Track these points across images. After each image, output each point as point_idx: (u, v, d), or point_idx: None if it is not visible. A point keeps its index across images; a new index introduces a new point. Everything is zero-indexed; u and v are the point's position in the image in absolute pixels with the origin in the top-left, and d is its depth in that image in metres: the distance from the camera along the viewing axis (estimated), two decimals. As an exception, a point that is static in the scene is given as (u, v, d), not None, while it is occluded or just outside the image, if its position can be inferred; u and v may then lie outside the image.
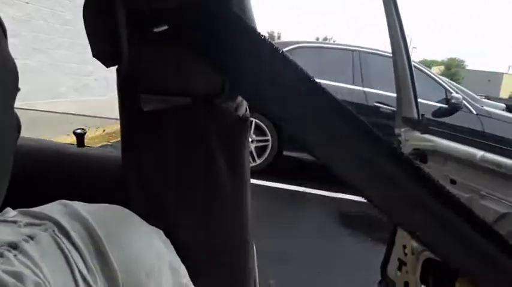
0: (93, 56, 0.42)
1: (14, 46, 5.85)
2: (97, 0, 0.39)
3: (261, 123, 4.63)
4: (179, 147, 0.45)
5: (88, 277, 0.33)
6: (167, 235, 0.43)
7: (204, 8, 0.36)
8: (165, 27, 0.36)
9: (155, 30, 0.36)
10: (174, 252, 0.42)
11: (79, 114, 5.32)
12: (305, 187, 4.33)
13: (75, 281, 0.33)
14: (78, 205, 0.38)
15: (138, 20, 0.38)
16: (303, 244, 3.03)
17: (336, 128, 0.35)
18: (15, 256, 0.32)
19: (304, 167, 4.92)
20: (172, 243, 0.43)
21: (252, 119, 4.58)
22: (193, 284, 0.43)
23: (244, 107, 0.46)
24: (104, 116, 5.25)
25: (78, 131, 0.66)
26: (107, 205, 0.42)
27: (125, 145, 0.48)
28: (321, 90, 0.35)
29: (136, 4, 0.37)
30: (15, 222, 0.35)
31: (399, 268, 1.77)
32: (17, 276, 0.30)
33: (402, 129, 1.72)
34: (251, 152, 4.64)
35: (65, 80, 6.48)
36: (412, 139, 1.70)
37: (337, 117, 0.35)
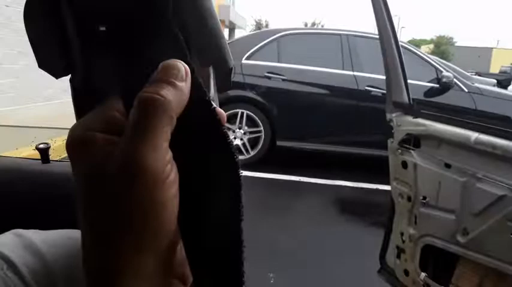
0: (39, 67, 0.37)
1: (-3, 51, 5.69)
2: (41, 3, 0.34)
3: (253, 115, 4.58)
4: None
5: None
6: None
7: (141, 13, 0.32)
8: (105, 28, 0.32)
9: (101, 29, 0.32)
10: None
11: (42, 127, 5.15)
12: (300, 175, 4.30)
13: None
14: (33, 235, 0.34)
15: (87, 23, 0.33)
16: (299, 232, 3.00)
17: None
18: None
19: (298, 157, 4.90)
20: None
21: (243, 110, 4.54)
22: None
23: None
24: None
25: (41, 145, 0.61)
26: (67, 231, 0.38)
27: None
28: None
29: (84, 4, 0.33)
30: None
31: (398, 256, 1.75)
32: None
33: (394, 115, 1.68)
34: (244, 144, 4.60)
35: (53, 82, 6.38)
36: (404, 124, 1.67)
37: None
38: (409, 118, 1.66)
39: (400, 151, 1.69)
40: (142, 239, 0.24)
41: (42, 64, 0.38)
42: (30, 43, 0.37)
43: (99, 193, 0.24)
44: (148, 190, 0.23)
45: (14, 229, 0.36)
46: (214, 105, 0.31)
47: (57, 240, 0.36)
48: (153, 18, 0.32)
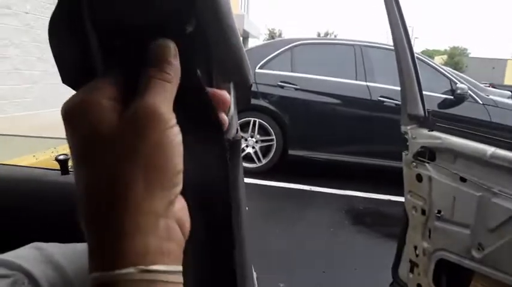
0: (63, 82, 0.38)
1: (17, 57, 5.84)
2: (64, 20, 0.36)
3: (265, 124, 4.59)
4: None
5: None
6: None
7: (165, 30, 0.33)
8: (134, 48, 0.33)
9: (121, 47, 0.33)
10: None
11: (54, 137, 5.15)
12: (311, 185, 4.29)
13: None
14: (53, 248, 0.35)
15: (110, 41, 0.34)
16: (310, 242, 2.99)
17: None
18: None
19: (310, 166, 4.88)
20: None
21: (255, 119, 4.56)
22: None
23: (234, 129, 0.42)
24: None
25: (61, 157, 0.62)
26: (86, 244, 0.38)
27: None
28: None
29: (105, 23, 0.34)
30: None
31: (411, 270, 1.73)
32: None
33: (409, 127, 1.68)
34: (256, 152, 4.61)
35: (70, 88, 6.48)
36: (419, 137, 1.66)
37: None
38: (425, 131, 1.65)
39: (414, 163, 1.67)
40: (154, 178, 0.26)
41: (66, 79, 0.39)
42: (55, 59, 0.38)
43: (110, 146, 0.26)
44: (162, 131, 0.27)
45: (33, 239, 0.37)
46: (207, 90, 0.34)
47: (77, 254, 0.36)
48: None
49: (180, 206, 0.29)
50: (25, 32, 5.75)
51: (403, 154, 1.73)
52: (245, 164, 4.51)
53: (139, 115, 0.27)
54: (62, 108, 0.28)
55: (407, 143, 1.71)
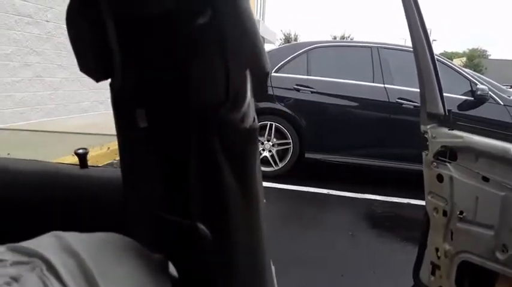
0: (81, 70, 0.39)
1: (39, 64, 5.98)
2: (82, 8, 0.36)
3: (282, 127, 4.59)
4: (180, 165, 0.41)
5: None
6: (174, 261, 0.39)
7: (184, 17, 0.33)
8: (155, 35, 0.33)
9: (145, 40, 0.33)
10: (181, 284, 0.39)
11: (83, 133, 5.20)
12: (328, 188, 4.25)
13: None
14: (72, 237, 0.36)
15: (127, 30, 0.35)
16: (328, 245, 2.96)
17: None
18: None
19: (327, 169, 4.85)
20: (178, 270, 0.39)
21: (272, 122, 4.55)
22: None
23: (251, 117, 0.42)
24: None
25: (80, 151, 0.63)
26: (105, 234, 0.39)
27: (123, 164, 0.45)
28: None
29: (123, 12, 0.34)
30: (1, 260, 0.33)
31: (432, 272, 1.69)
32: None
33: (428, 126, 1.65)
34: (272, 156, 4.60)
35: (90, 94, 6.61)
36: (439, 136, 1.62)
37: None
38: (445, 130, 1.62)
39: (435, 163, 1.64)
40: None
41: (84, 67, 0.39)
42: (72, 47, 0.39)
43: None
44: None
45: (53, 230, 0.37)
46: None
47: (95, 242, 0.37)
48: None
49: None
50: (46, 40, 5.89)
51: (423, 154, 1.70)
52: (262, 168, 4.49)
53: None
54: None
55: (427, 143, 1.68)
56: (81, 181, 0.61)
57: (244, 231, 0.43)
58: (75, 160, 0.63)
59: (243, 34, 0.39)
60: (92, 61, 0.38)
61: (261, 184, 0.45)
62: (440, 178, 1.62)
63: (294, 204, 3.91)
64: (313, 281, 2.44)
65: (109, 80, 0.40)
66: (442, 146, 1.62)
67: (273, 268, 0.54)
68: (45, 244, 0.35)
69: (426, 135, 1.67)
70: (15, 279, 0.31)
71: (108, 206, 0.52)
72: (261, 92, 0.44)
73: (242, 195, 0.41)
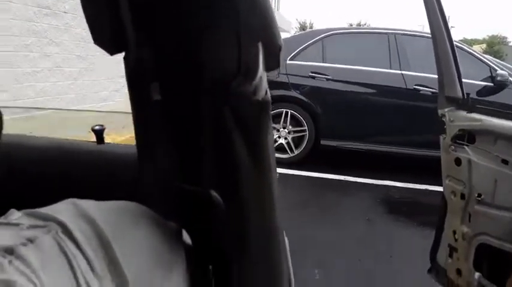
0: (95, 42, 0.39)
1: (58, 55, 6.05)
2: None
3: (297, 114, 4.59)
4: (194, 137, 0.42)
5: (94, 283, 0.31)
6: (188, 230, 0.40)
7: None
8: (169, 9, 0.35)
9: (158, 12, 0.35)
10: (194, 252, 0.40)
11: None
12: (345, 175, 4.26)
13: None
14: (88, 204, 0.36)
15: (140, 2, 0.36)
16: (345, 230, 2.98)
17: None
18: (10, 262, 0.29)
19: (343, 156, 4.84)
20: (192, 238, 0.40)
21: (287, 110, 4.56)
22: (223, 283, 0.41)
23: (263, 90, 0.42)
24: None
25: (97, 127, 0.66)
26: (121, 202, 0.39)
27: (138, 138, 0.46)
28: None
29: None
30: (17, 225, 0.33)
31: (450, 255, 1.70)
32: (9, 284, 0.27)
33: (446, 110, 1.64)
34: (288, 143, 4.61)
35: (107, 84, 6.71)
36: (457, 119, 1.62)
37: None
38: (463, 113, 1.61)
39: (453, 147, 1.64)
40: None
41: (98, 40, 0.40)
42: (86, 20, 0.39)
43: None
44: None
45: (70, 198, 0.38)
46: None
47: (112, 210, 0.38)
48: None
49: None
50: (64, 31, 5.97)
51: (441, 138, 1.70)
52: (278, 155, 4.53)
53: None
54: None
55: (445, 127, 1.68)
56: (97, 157, 0.63)
57: (257, 201, 0.44)
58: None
59: (253, 6, 0.39)
60: (106, 34, 0.39)
61: (274, 157, 0.46)
62: (458, 161, 1.63)
63: (309, 190, 3.93)
64: (331, 265, 2.47)
65: (122, 64, 0.41)
66: (460, 130, 1.62)
67: (286, 240, 0.55)
68: (62, 209, 0.35)
69: (444, 119, 1.67)
70: (30, 240, 0.31)
71: (125, 181, 0.53)
72: (272, 66, 0.43)
73: (254, 165, 0.42)
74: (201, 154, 0.42)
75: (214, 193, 0.41)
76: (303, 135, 4.60)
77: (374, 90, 4.55)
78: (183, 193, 0.42)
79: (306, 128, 4.58)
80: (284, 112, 4.58)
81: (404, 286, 2.34)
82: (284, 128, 4.62)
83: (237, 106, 0.40)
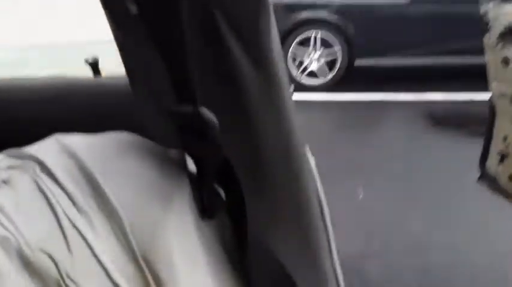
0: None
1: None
2: None
3: (327, 35, 4.36)
4: (180, 50, 0.36)
5: (78, 222, 0.29)
6: (192, 156, 0.37)
7: None
8: None
9: None
10: (201, 180, 0.37)
11: None
12: (383, 93, 4.10)
13: (61, 227, 0.28)
14: (72, 139, 0.34)
15: None
16: (388, 149, 2.92)
17: None
18: None
19: (379, 74, 4.64)
20: (196, 164, 0.37)
21: (317, 31, 4.33)
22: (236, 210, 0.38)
23: None
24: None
25: (91, 60, 0.64)
26: (111, 133, 0.37)
27: (125, 65, 0.42)
28: None
29: None
30: None
31: (501, 161, 1.63)
32: None
33: (490, 5, 1.49)
34: (320, 67, 4.45)
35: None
36: (503, 15, 1.46)
37: None
38: (510, 7, 1.45)
39: (499, 46, 1.50)
40: None
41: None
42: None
43: None
44: None
45: (55, 134, 0.36)
46: None
47: (100, 141, 0.35)
48: None
49: None
50: None
51: (485, 38, 1.55)
52: (311, 81, 4.41)
53: None
54: None
55: (488, 26, 1.53)
56: (92, 89, 0.60)
57: (268, 119, 0.39)
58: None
59: None
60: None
61: (283, 66, 0.40)
62: (506, 61, 1.49)
63: (348, 113, 3.84)
64: (372, 183, 2.46)
65: None
66: (506, 27, 1.46)
67: (312, 160, 0.50)
68: (44, 147, 0.33)
69: (487, 17, 1.52)
70: (5, 182, 0.30)
71: (123, 113, 0.50)
72: None
73: (257, 74, 0.37)
74: (191, 69, 0.36)
75: (204, 111, 0.36)
76: (335, 58, 4.41)
77: (408, 0, 4.22)
78: (178, 117, 0.38)
79: (338, 49, 4.37)
80: (313, 35, 4.37)
81: (452, 202, 2.28)
82: (314, 52, 4.44)
83: (230, 8, 0.34)
